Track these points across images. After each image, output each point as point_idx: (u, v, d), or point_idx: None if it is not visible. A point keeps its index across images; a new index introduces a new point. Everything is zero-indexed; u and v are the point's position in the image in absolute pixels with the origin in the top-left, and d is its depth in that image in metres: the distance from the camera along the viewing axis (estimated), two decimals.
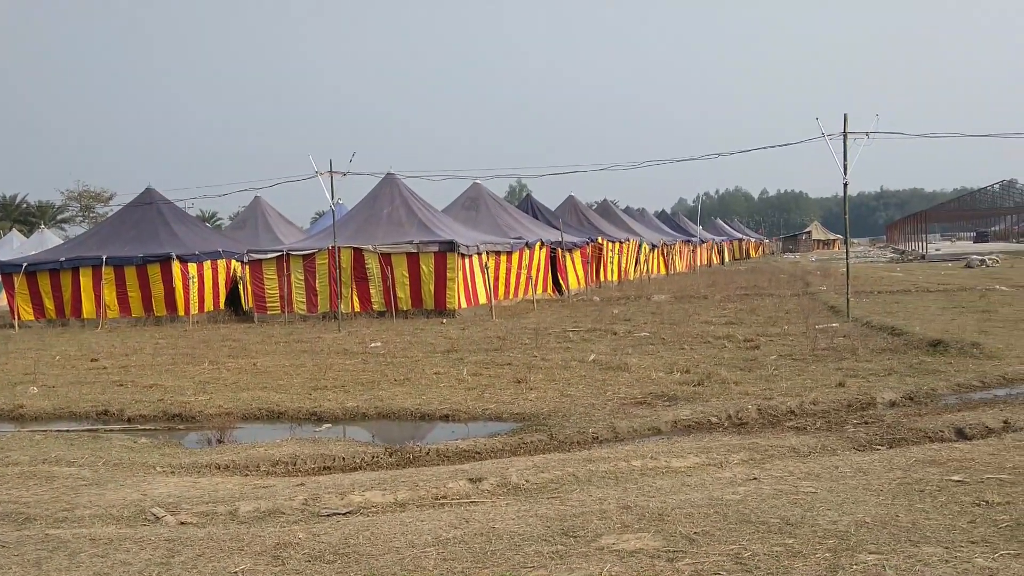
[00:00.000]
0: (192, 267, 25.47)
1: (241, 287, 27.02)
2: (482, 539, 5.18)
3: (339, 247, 22.64)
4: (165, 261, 25.11)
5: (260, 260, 24.44)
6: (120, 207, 30.27)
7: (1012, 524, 4.93)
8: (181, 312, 25.06)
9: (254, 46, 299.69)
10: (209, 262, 26.31)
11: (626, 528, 5.25)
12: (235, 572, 4.82)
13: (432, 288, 22.98)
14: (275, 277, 24.19)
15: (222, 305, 27.00)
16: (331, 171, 20.89)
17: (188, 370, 14.32)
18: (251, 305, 24.96)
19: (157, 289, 25.27)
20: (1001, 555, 4.43)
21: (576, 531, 5.24)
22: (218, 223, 73.89)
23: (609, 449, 8.05)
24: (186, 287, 25.14)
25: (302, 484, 7.14)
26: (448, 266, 22.79)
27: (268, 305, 24.33)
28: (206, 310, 26.07)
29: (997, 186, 68.22)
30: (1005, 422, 8.21)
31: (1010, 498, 5.47)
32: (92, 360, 16.29)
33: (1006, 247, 61.94)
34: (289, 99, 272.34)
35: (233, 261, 27.20)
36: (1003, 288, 24.80)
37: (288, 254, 24.23)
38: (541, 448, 8.41)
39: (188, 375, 13.74)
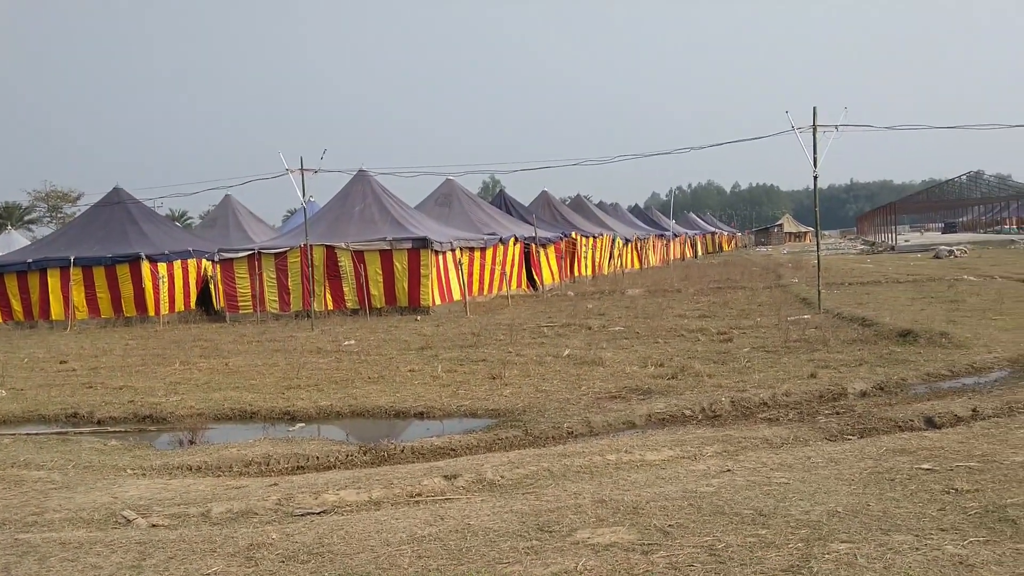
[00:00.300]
0: (162, 267, 25.20)
1: (212, 286, 26.78)
2: (457, 536, 5.16)
3: (311, 245, 22.49)
4: (134, 261, 24.82)
5: (231, 259, 24.23)
6: (88, 207, 29.87)
7: (981, 511, 4.99)
8: (151, 312, 24.78)
9: (222, 42, 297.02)
10: (179, 262, 26.04)
11: (601, 522, 5.25)
12: (207, 574, 4.77)
13: (406, 285, 22.90)
14: (247, 276, 23.99)
15: (193, 305, 26.73)
16: (302, 168, 20.74)
17: (159, 371, 14.17)
18: (222, 305, 24.74)
19: (126, 289, 24.97)
20: (970, 542, 4.48)
21: (551, 526, 5.24)
22: (188, 222, 73.12)
23: (584, 444, 8.06)
24: (156, 287, 24.87)
25: (275, 484, 7.09)
26: (422, 263, 22.72)
27: (240, 304, 24.13)
28: (177, 310, 25.81)
29: (964, 177, 69.15)
30: (974, 410, 8.32)
31: (979, 485, 5.53)
32: (61, 362, 16.07)
33: (973, 237, 62.81)
34: (259, 97, 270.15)
35: (204, 260, 26.94)
36: (971, 278, 25.14)
37: (259, 253, 24.04)
38: (516, 444, 8.41)
39: (159, 376, 13.60)
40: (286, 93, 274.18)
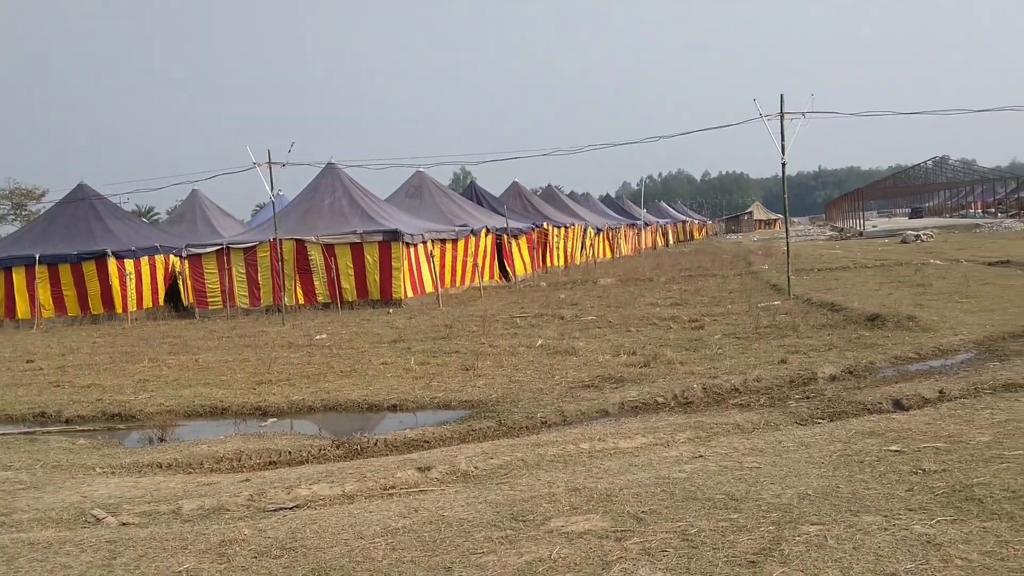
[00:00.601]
0: (129, 263, 24.88)
1: (180, 282, 26.50)
2: (431, 527, 5.15)
3: (280, 239, 22.32)
4: (100, 258, 24.49)
5: (199, 254, 23.99)
6: (52, 204, 29.42)
7: (948, 491, 5.07)
8: (119, 310, 24.49)
9: (185, 35, 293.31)
10: (146, 258, 25.73)
11: (575, 510, 5.27)
12: (179, 571, 4.72)
13: (377, 278, 22.80)
14: (215, 271, 23.77)
15: (161, 301, 26.44)
16: (270, 162, 20.56)
17: (127, 368, 14.00)
18: (191, 300, 24.51)
19: (93, 287, 24.64)
20: (938, 521, 4.54)
21: (525, 515, 5.24)
22: (155, 218, 72.26)
23: (558, 433, 8.08)
24: (123, 284, 24.56)
25: (247, 480, 7.03)
26: (393, 255, 22.63)
27: (209, 300, 23.91)
28: (145, 307, 25.51)
29: (930, 163, 70.10)
30: (940, 392, 8.44)
31: (946, 466, 5.61)
32: (28, 361, 15.82)
33: (939, 222, 63.63)
34: (226, 90, 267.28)
35: (171, 256, 26.65)
36: (937, 262, 25.49)
37: (228, 247, 23.82)
38: (490, 434, 8.41)
39: (127, 374, 13.44)
40: (252, 85, 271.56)
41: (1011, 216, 62.39)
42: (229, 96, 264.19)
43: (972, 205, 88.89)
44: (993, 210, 73.75)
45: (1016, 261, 24.54)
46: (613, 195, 76.73)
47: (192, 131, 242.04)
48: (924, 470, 5.54)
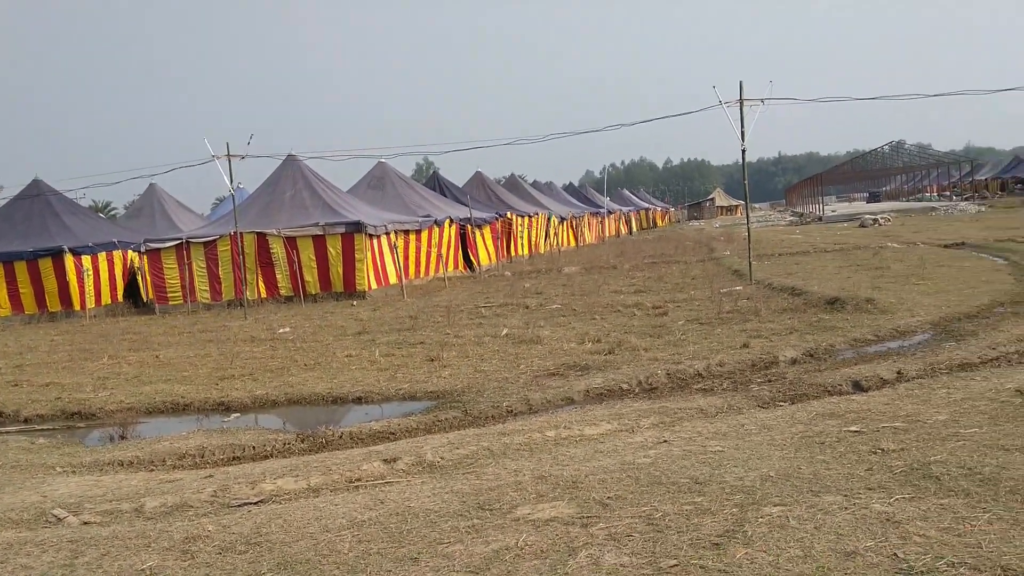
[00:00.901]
0: (86, 259, 24.46)
1: (139, 278, 26.12)
2: (398, 519, 5.14)
3: (241, 232, 22.08)
4: (57, 255, 24.05)
5: (158, 249, 23.65)
6: (6, 200, 28.80)
7: (906, 469, 5.16)
8: (77, 307, 24.08)
9: (141, 29, 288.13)
10: (104, 254, 25.31)
11: (541, 498, 5.29)
12: (142, 570, 4.67)
13: (340, 270, 22.65)
14: (175, 266, 23.45)
15: (120, 298, 26.04)
16: (228, 155, 20.29)
17: (86, 366, 13.78)
18: (151, 296, 24.17)
19: (50, 284, 24.20)
20: (897, 499, 4.62)
21: (492, 504, 5.25)
22: (112, 213, 71.04)
23: (523, 421, 8.10)
24: (80, 280, 24.14)
25: (211, 476, 6.97)
26: (356, 247, 22.48)
27: (169, 295, 23.59)
28: (103, 303, 25.12)
29: (887, 147, 71.16)
30: (898, 373, 8.58)
31: (904, 445, 5.72)
32: None
33: (896, 206, 64.64)
34: (181, 83, 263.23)
35: (130, 252, 26.25)
36: (894, 245, 25.91)
37: (188, 242, 23.50)
38: (456, 425, 8.41)
39: (87, 371, 13.23)
40: (209, 77, 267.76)
41: (965, 199, 63.56)
42: (188, 89, 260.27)
43: (928, 189, 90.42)
44: (948, 193, 75.07)
45: (971, 243, 25.03)
46: (576, 184, 76.81)
47: (149, 125, 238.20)
48: (883, 450, 5.64)
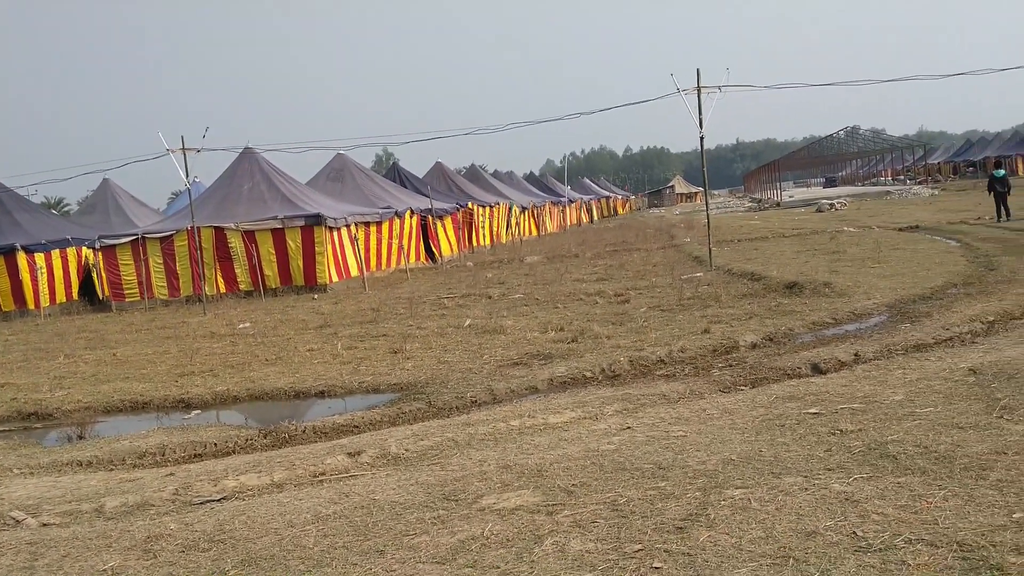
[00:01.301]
0: (39, 257, 23.95)
1: (95, 275, 25.65)
2: (363, 512, 5.12)
3: (198, 227, 21.77)
4: (9, 253, 23.52)
5: (113, 245, 23.24)
6: None
7: (864, 449, 5.25)
8: (31, 305, 23.59)
9: (92, 21, 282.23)
10: (58, 251, 24.82)
11: (506, 487, 5.30)
12: (103, 570, 4.60)
13: (301, 263, 22.44)
14: (131, 262, 23.06)
15: (75, 295, 25.55)
16: (183, 148, 19.98)
17: (42, 366, 13.52)
18: (107, 293, 23.75)
19: (3, 283, 23.68)
20: (855, 479, 4.71)
21: (457, 495, 5.25)
22: (65, 209, 69.68)
23: (488, 412, 8.10)
24: (34, 279, 23.64)
25: (172, 474, 6.88)
26: (316, 240, 22.28)
27: (126, 292, 23.20)
28: (58, 302, 24.63)
29: (842, 133, 72.16)
30: (856, 355, 8.73)
31: (862, 425, 5.82)
32: None
33: (852, 191, 65.56)
34: (134, 76, 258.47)
35: (84, 248, 25.76)
36: (850, 229, 26.30)
37: (144, 237, 23.12)
38: (420, 416, 8.39)
39: (42, 371, 12.97)
40: (163, 70, 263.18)
41: (919, 183, 64.68)
42: (142, 82, 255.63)
43: (883, 173, 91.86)
44: (902, 177, 76.33)
45: (924, 226, 25.49)
46: (537, 173, 76.89)
47: (102, 119, 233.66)
48: (841, 430, 5.73)
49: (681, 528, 4.22)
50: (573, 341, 11.14)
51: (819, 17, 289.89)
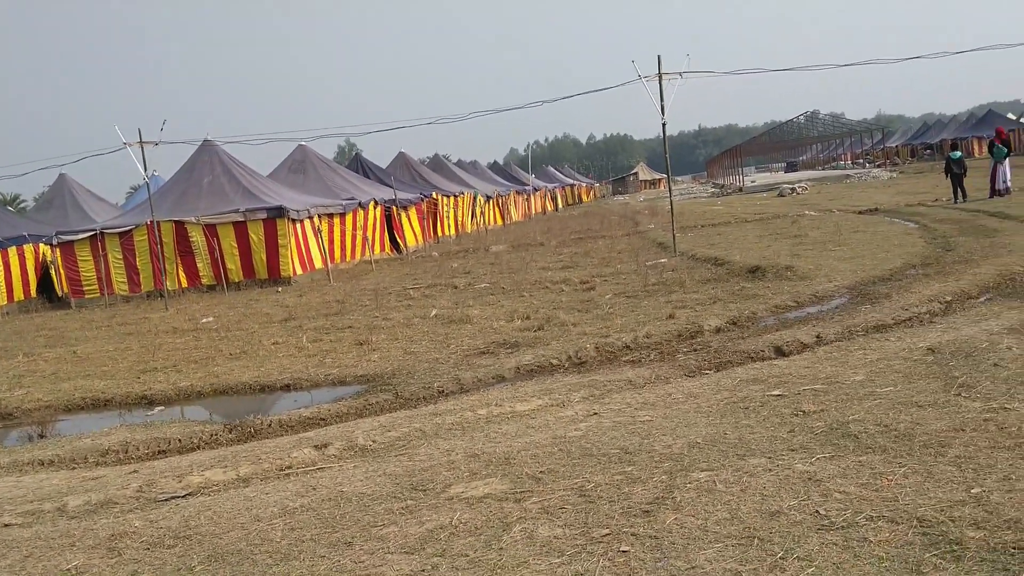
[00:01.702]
0: None
1: (53, 272, 25.21)
2: (330, 504, 5.10)
3: (158, 221, 21.46)
4: None
5: (72, 241, 22.83)
6: None
7: (826, 429, 5.33)
8: None
9: (45, 14, 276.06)
10: (14, 248, 24.32)
11: (474, 475, 5.31)
12: (67, 570, 4.54)
13: (264, 256, 22.22)
14: (90, 258, 22.68)
15: (34, 293, 25.08)
16: (141, 141, 19.65)
17: (1, 365, 13.26)
18: (66, 290, 23.35)
19: None
20: (817, 459, 4.78)
21: (425, 485, 5.25)
22: (22, 206, 68.35)
23: (455, 401, 8.09)
24: None
25: (135, 471, 6.80)
26: (279, 232, 22.07)
27: (85, 289, 22.82)
28: (16, 300, 24.16)
29: (802, 117, 72.82)
30: (817, 337, 8.84)
31: (824, 406, 5.90)
32: None
33: (813, 175, 66.30)
34: (90, 69, 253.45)
35: (42, 245, 25.30)
36: (811, 213, 26.59)
37: (102, 232, 22.75)
38: (387, 407, 8.36)
39: (1, 370, 12.73)
40: (119, 62, 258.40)
41: (878, 166, 65.57)
42: (97, 76, 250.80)
43: (842, 157, 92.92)
44: (861, 161, 77.31)
45: (883, 209, 25.86)
46: (501, 162, 76.88)
47: (57, 114, 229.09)
48: (804, 411, 5.81)
49: (648, 512, 4.26)
50: (539, 329, 11.16)
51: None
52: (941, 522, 3.71)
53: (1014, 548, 3.40)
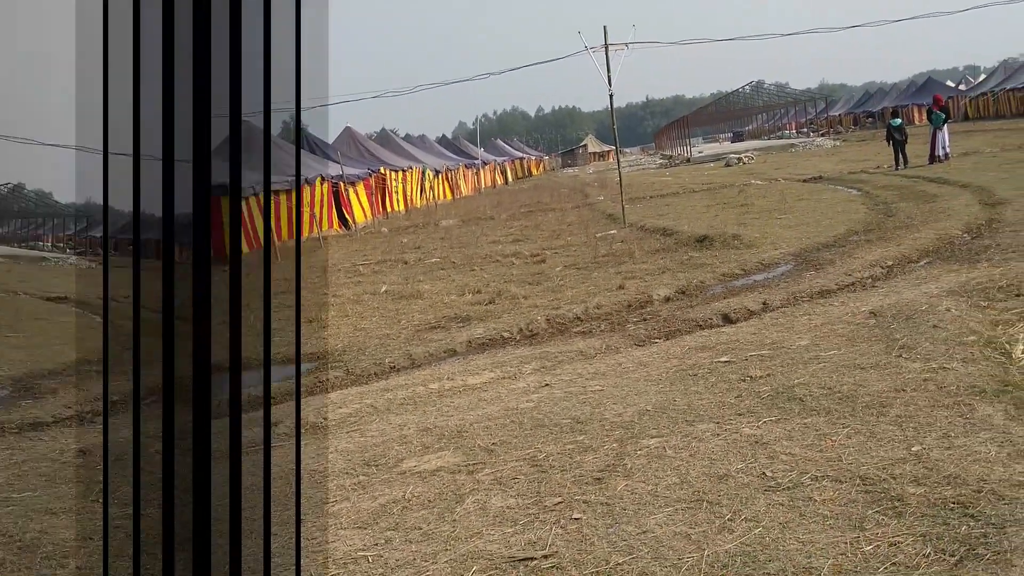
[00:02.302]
0: None
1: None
2: (280, 482, 5.04)
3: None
4: None
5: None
6: None
7: (772, 394, 5.42)
8: None
9: None
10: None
11: (427, 449, 5.30)
12: None
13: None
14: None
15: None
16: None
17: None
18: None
19: None
20: (764, 422, 4.86)
21: (377, 460, 5.24)
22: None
23: (407, 376, 8.08)
24: None
25: None
26: (223, 211, 21.66)
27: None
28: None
29: (748, 88, 73.58)
30: (764, 303, 8.98)
31: (770, 371, 6.00)
32: None
33: (759, 144, 66.94)
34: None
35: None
36: (757, 182, 26.91)
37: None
38: (338, 385, 8.31)
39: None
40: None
41: (821, 135, 66.58)
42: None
43: (787, 126, 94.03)
44: (805, 130, 78.38)
45: (827, 177, 26.26)
46: (450, 136, 76.27)
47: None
48: (751, 377, 5.90)
49: (599, 479, 4.30)
50: (490, 303, 11.17)
51: None
52: (883, 480, 3.80)
53: (953, 503, 3.50)
